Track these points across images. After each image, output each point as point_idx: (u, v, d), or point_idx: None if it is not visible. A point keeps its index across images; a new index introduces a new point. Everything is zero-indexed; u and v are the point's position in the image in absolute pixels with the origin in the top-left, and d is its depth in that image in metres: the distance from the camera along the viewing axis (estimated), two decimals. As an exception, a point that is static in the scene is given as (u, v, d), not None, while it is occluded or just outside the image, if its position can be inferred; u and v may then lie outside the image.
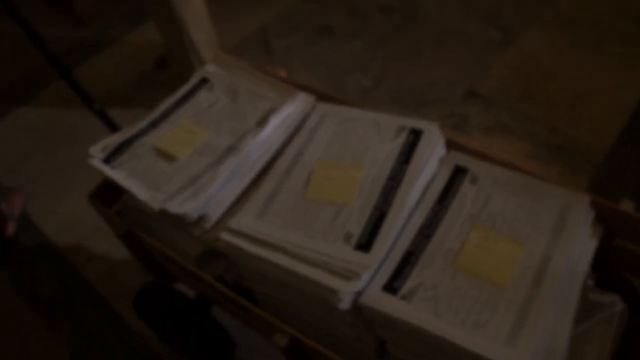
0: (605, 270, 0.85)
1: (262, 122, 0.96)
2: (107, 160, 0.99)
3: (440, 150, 0.89)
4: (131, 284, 1.23)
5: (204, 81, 1.10)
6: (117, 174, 0.96)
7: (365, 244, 0.78)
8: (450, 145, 0.91)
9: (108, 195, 1.05)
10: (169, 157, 0.96)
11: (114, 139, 1.03)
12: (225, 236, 0.84)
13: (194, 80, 1.10)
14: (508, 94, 1.84)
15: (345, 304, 0.75)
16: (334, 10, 2.26)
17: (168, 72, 2.05)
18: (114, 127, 1.48)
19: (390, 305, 0.73)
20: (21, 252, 1.67)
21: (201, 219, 0.88)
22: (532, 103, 1.80)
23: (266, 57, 2.11)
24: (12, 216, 1.70)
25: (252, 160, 0.92)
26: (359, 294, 0.75)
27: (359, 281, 0.74)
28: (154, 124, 1.03)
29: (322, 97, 1.01)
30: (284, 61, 2.07)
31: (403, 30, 2.14)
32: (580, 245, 0.78)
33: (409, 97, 1.87)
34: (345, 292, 0.74)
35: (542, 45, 2.00)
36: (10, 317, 1.54)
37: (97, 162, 0.98)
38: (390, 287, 0.75)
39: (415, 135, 0.90)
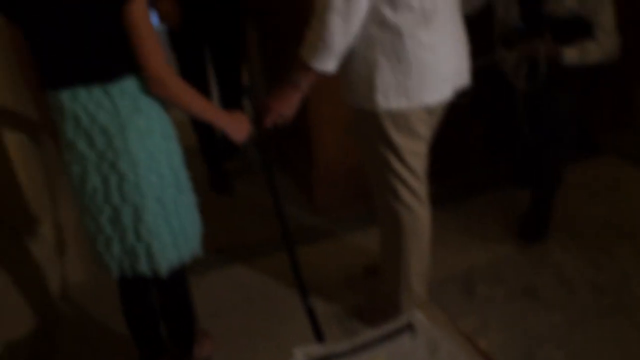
0: None
1: (450, 389, 1.03)
2: (307, 368, 1.12)
3: None
4: None
5: (409, 326, 1.21)
6: (311, 387, 1.08)
7: None
8: None
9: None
10: (357, 389, 1.06)
11: (317, 351, 1.16)
12: None
13: (401, 321, 1.22)
14: None
15: None
16: (544, 272, 2.28)
17: (375, 281, 2.17)
18: (316, 328, 1.59)
19: None
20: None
21: None
22: None
23: (465, 300, 2.17)
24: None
25: None
26: None
27: None
28: (353, 351, 1.15)
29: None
30: (481, 310, 2.10)
31: (610, 315, 2.06)
32: None
33: (599, 395, 1.76)
34: None
35: None
36: None
37: (298, 366, 1.12)
38: None
39: None
